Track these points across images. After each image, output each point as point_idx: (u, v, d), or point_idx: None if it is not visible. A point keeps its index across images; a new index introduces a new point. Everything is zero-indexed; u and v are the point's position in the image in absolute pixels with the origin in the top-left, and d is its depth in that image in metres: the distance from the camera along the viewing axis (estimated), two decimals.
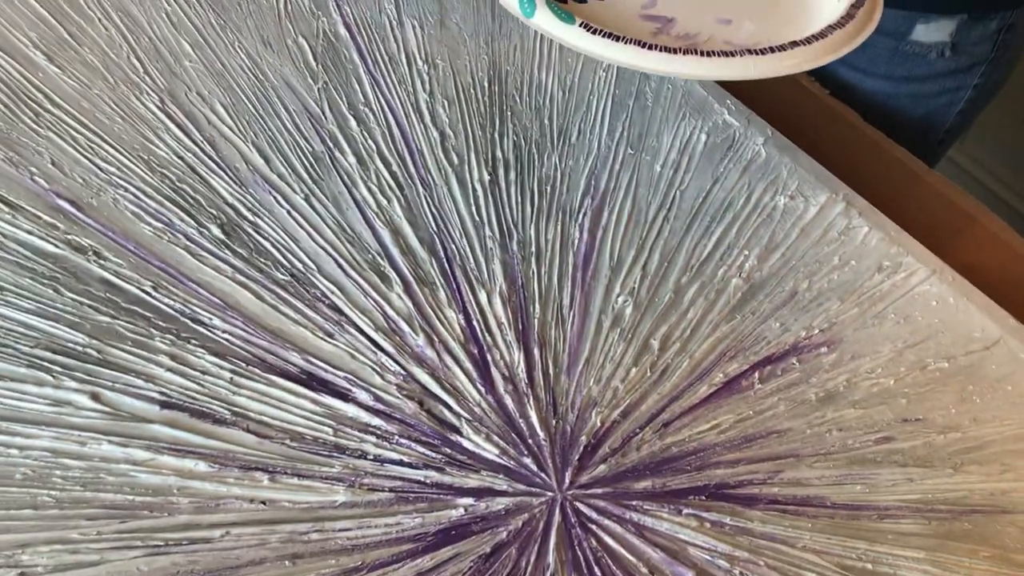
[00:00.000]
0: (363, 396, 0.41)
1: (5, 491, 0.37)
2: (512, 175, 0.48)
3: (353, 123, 0.48)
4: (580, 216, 0.47)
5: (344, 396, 0.41)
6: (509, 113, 0.50)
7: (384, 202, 0.46)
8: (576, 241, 0.46)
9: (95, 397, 0.39)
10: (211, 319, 0.42)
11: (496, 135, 0.49)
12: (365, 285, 0.44)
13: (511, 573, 0.37)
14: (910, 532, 0.39)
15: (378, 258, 0.45)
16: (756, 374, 0.42)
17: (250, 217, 0.45)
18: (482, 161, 0.48)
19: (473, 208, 0.47)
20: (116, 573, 0.35)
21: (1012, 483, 0.40)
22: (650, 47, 0.38)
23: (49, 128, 0.46)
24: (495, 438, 0.40)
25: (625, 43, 0.38)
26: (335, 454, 0.39)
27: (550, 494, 0.39)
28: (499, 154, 0.48)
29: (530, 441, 0.40)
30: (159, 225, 0.44)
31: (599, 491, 0.39)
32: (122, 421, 0.39)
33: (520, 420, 0.41)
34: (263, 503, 0.38)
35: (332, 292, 0.43)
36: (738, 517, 0.39)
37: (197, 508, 0.37)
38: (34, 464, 0.37)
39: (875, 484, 0.40)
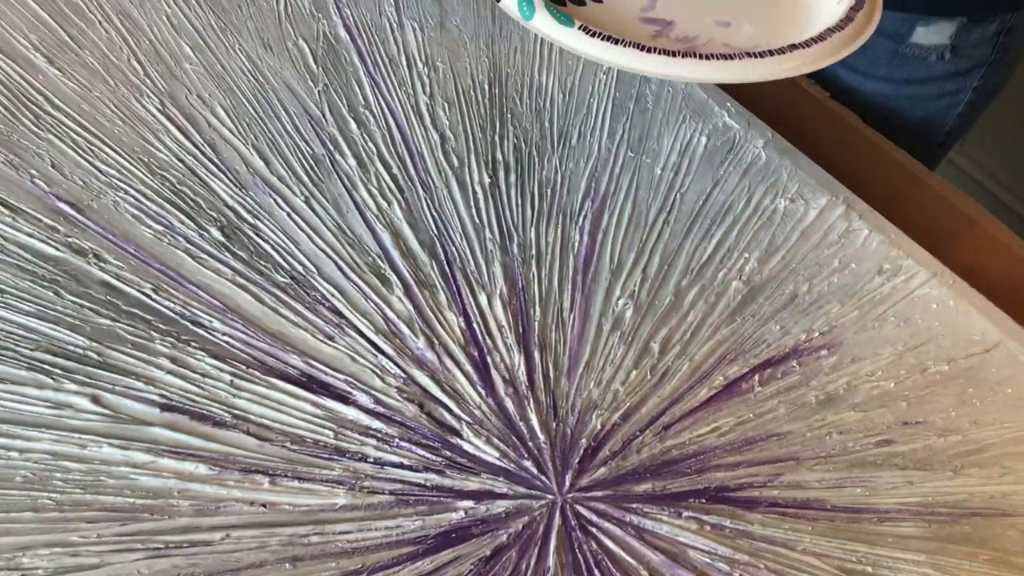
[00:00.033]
0: (363, 399, 0.41)
1: (5, 494, 0.37)
2: (512, 178, 0.48)
3: (353, 125, 0.48)
4: (580, 219, 0.47)
5: (344, 399, 0.41)
6: (509, 116, 0.50)
7: (384, 204, 0.46)
8: (576, 244, 0.46)
9: (95, 400, 0.39)
10: (211, 322, 0.42)
11: (496, 138, 0.49)
12: (365, 288, 0.44)
13: None
14: (910, 535, 0.39)
15: (378, 260, 0.45)
16: (756, 377, 0.42)
17: (250, 220, 0.45)
18: (482, 164, 0.48)
19: (473, 211, 0.47)
20: None
21: (1012, 486, 0.40)
22: (649, 50, 0.38)
23: (50, 131, 0.46)
24: (495, 441, 0.40)
25: (624, 46, 0.38)
26: (335, 457, 0.39)
27: (550, 497, 0.39)
28: (499, 157, 0.48)
29: (530, 444, 0.40)
30: (159, 228, 0.44)
31: (599, 494, 0.39)
32: (122, 424, 0.39)
33: (520, 423, 0.41)
34: (263, 506, 0.38)
35: (332, 295, 0.43)
36: (738, 520, 0.39)
37: (197, 511, 0.37)
38: (34, 467, 0.37)
39: (875, 487, 0.40)
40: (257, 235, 0.45)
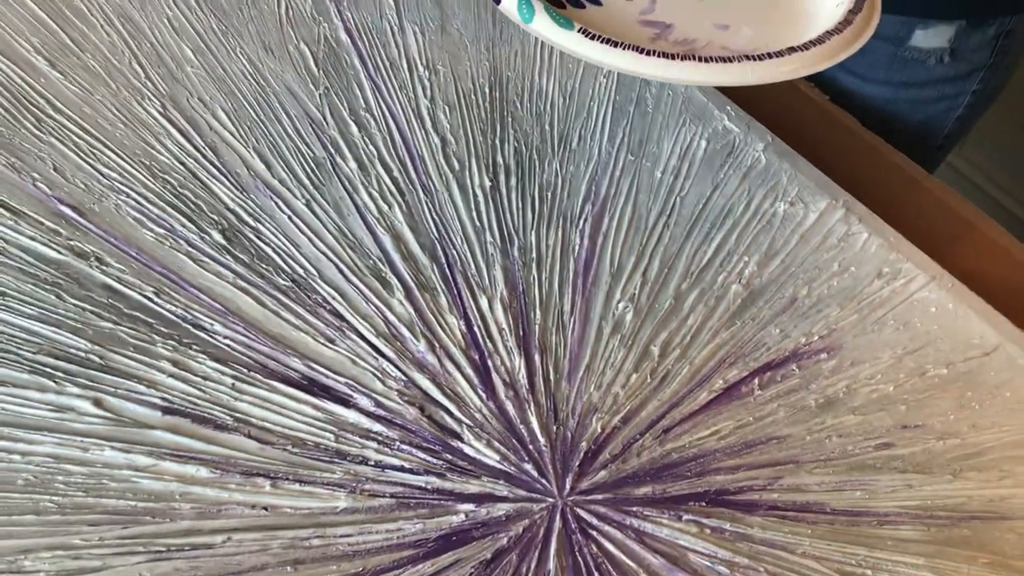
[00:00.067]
0: (364, 402, 0.41)
1: (7, 497, 0.37)
2: (513, 181, 0.48)
3: (354, 129, 0.49)
4: (581, 222, 0.47)
5: (345, 402, 0.41)
6: (510, 119, 0.50)
7: (385, 208, 0.46)
8: (577, 247, 0.46)
9: (97, 403, 0.39)
10: (212, 325, 0.42)
11: (497, 141, 0.49)
12: (366, 291, 0.44)
13: None
14: (909, 538, 0.39)
15: (379, 264, 0.45)
16: (756, 380, 0.42)
17: (251, 223, 0.45)
18: (483, 167, 0.48)
19: (474, 214, 0.47)
20: None
21: (1011, 489, 0.40)
22: (648, 52, 0.38)
23: (51, 134, 0.46)
24: (496, 444, 0.40)
25: (623, 48, 0.38)
26: (336, 460, 0.39)
27: (551, 500, 0.39)
28: (500, 160, 0.49)
29: (531, 447, 0.40)
30: (161, 231, 0.44)
31: (599, 497, 0.39)
32: (124, 427, 0.39)
33: (521, 426, 0.41)
34: (265, 509, 0.38)
35: (333, 298, 0.44)
36: (738, 523, 0.39)
37: (199, 514, 0.37)
38: (36, 470, 0.38)
39: (874, 490, 0.40)
40: (258, 238, 0.45)
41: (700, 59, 0.38)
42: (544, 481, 0.40)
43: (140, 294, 0.42)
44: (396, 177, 0.47)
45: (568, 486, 0.40)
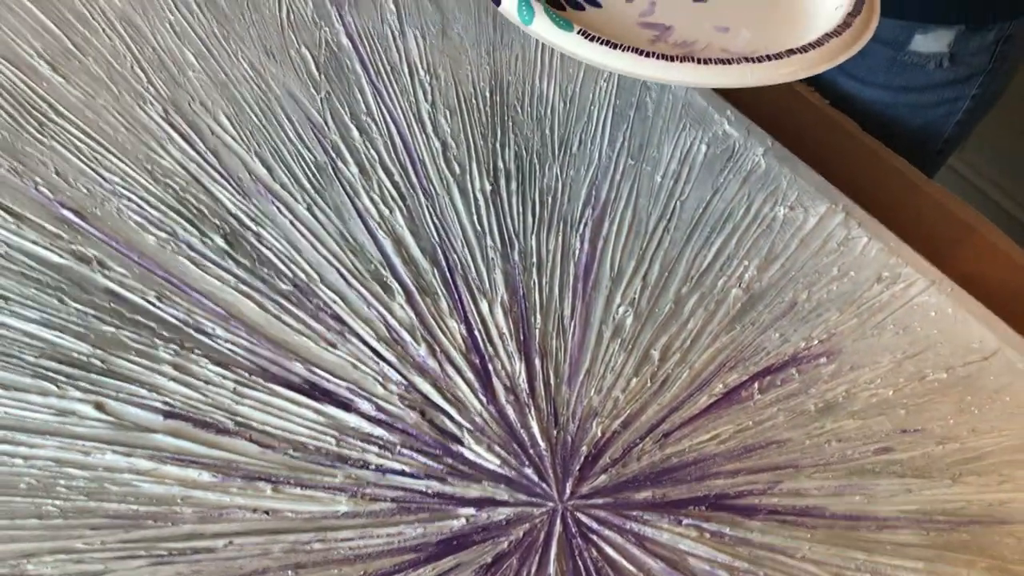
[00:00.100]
0: (365, 406, 0.41)
1: (10, 501, 0.37)
2: (513, 185, 0.48)
3: (355, 133, 0.49)
4: (581, 226, 0.47)
5: (346, 406, 0.41)
6: (510, 123, 0.50)
7: (386, 212, 0.47)
8: (577, 251, 0.46)
9: (99, 407, 0.40)
10: (214, 329, 0.42)
11: (497, 145, 0.49)
12: (367, 295, 0.44)
13: None
14: (908, 543, 0.39)
15: (380, 268, 0.45)
16: (756, 385, 0.43)
17: (253, 227, 0.45)
18: (484, 171, 0.48)
19: (475, 218, 0.47)
20: None
21: (1010, 494, 0.40)
22: (647, 54, 0.38)
23: (54, 138, 0.47)
24: (496, 448, 0.40)
25: (622, 50, 0.38)
26: (338, 464, 0.39)
27: (551, 504, 0.39)
28: (500, 164, 0.49)
29: (531, 451, 0.41)
30: (163, 235, 0.44)
31: (600, 501, 0.39)
32: (126, 431, 0.39)
33: (521, 430, 0.41)
34: (266, 513, 0.38)
35: (334, 302, 0.44)
36: (738, 527, 0.39)
37: (201, 518, 0.37)
38: (39, 474, 0.38)
39: (874, 495, 0.40)
40: (260, 242, 0.45)
41: (699, 61, 0.38)
42: (544, 485, 0.40)
43: (142, 298, 0.43)
44: (397, 181, 0.48)
45: (568, 490, 0.40)
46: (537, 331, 0.44)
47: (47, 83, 0.48)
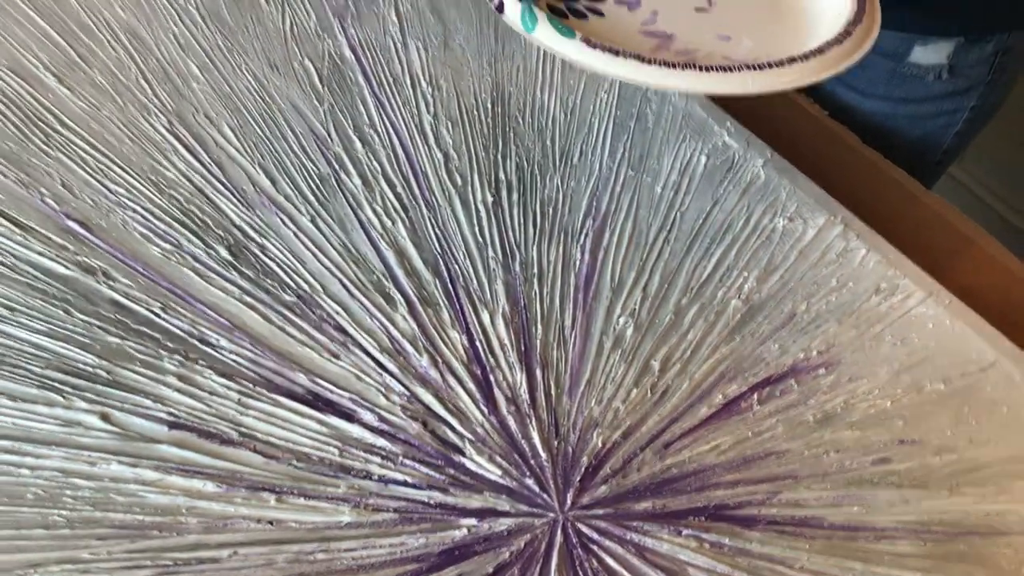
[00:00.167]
0: (368, 417, 0.41)
1: (16, 511, 0.37)
2: (515, 196, 0.49)
3: (358, 145, 0.49)
4: (582, 237, 0.47)
5: (349, 417, 0.41)
6: (512, 135, 0.50)
7: (389, 223, 0.47)
8: (578, 262, 0.47)
9: (105, 417, 0.40)
10: (219, 340, 0.43)
11: (499, 156, 0.50)
12: (370, 306, 0.45)
13: None
14: (906, 553, 0.39)
15: (383, 279, 0.45)
16: (755, 395, 0.43)
17: (257, 238, 0.46)
18: (485, 182, 0.49)
19: (476, 229, 0.47)
20: None
21: (1008, 505, 0.41)
22: (649, 61, 0.39)
23: (59, 149, 0.47)
24: (498, 459, 0.41)
25: (624, 57, 0.39)
26: (340, 475, 0.40)
27: (552, 515, 0.40)
28: (502, 175, 0.49)
29: (532, 462, 0.41)
30: (167, 246, 0.45)
31: (600, 512, 0.40)
32: (131, 442, 0.40)
33: (523, 441, 0.41)
34: (270, 523, 0.38)
35: (337, 313, 0.44)
36: (737, 538, 0.39)
37: (205, 528, 0.38)
38: (45, 484, 0.38)
39: (872, 505, 0.40)
40: (264, 254, 0.45)
41: (701, 68, 0.39)
42: (545, 496, 0.40)
43: (147, 309, 0.43)
44: (400, 193, 0.48)
45: (569, 501, 0.40)
46: (538, 342, 0.44)
47: (53, 95, 0.49)
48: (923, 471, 0.41)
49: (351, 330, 0.44)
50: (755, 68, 0.39)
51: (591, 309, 0.45)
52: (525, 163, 0.50)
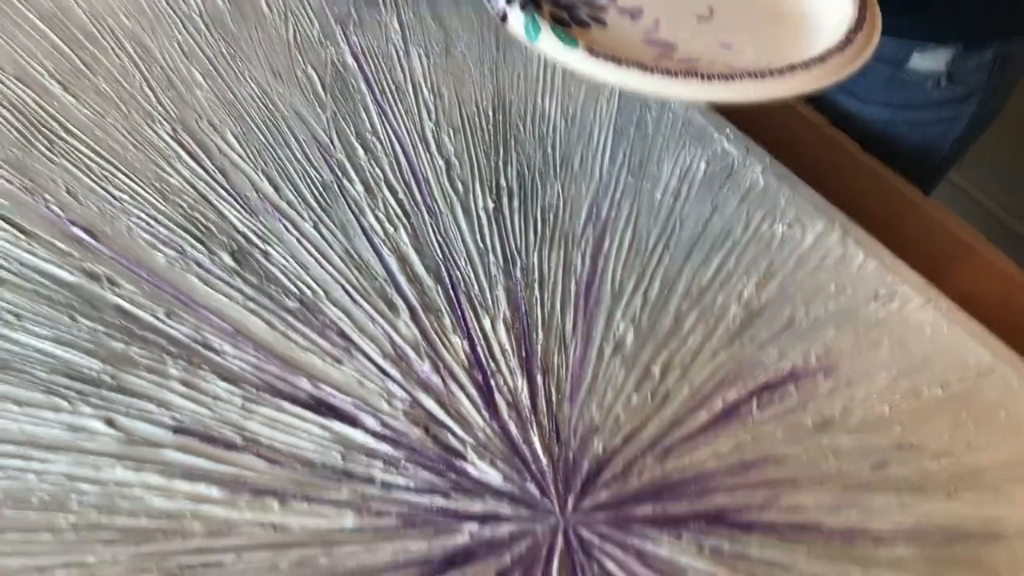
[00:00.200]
0: (370, 422, 0.42)
1: (23, 515, 0.38)
2: (516, 203, 0.49)
3: (361, 152, 0.50)
4: (582, 243, 0.48)
5: (352, 422, 0.42)
6: (513, 141, 0.51)
7: (391, 230, 0.47)
8: (578, 268, 0.47)
9: (110, 423, 0.40)
10: (222, 346, 0.43)
11: (500, 163, 0.50)
12: (372, 312, 0.45)
13: None
14: (904, 558, 0.40)
15: (385, 285, 0.46)
16: (754, 401, 0.43)
17: (260, 245, 0.46)
18: (486, 189, 0.49)
19: (478, 235, 0.48)
20: None
21: (1006, 509, 0.41)
22: (651, 71, 0.39)
23: (64, 156, 0.48)
24: (499, 464, 0.41)
25: (626, 66, 0.39)
26: (343, 479, 0.40)
27: (553, 520, 0.40)
28: (503, 182, 0.49)
29: (533, 467, 0.41)
30: (171, 253, 0.45)
31: (601, 517, 0.40)
32: (136, 446, 0.40)
33: (524, 446, 0.42)
34: (274, 527, 0.39)
35: (340, 319, 0.45)
36: (737, 542, 0.40)
37: (210, 532, 0.38)
38: (51, 488, 0.39)
39: (870, 510, 0.41)
40: (267, 260, 0.46)
41: (703, 77, 0.39)
42: (547, 501, 0.40)
43: (151, 315, 0.43)
44: (402, 199, 0.48)
45: (570, 506, 0.40)
46: (539, 347, 0.45)
47: (57, 102, 0.49)
48: (921, 476, 0.42)
49: (354, 336, 0.44)
50: (757, 76, 0.39)
51: (592, 315, 0.46)
52: (526, 170, 0.50)
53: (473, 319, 0.45)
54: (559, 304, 0.46)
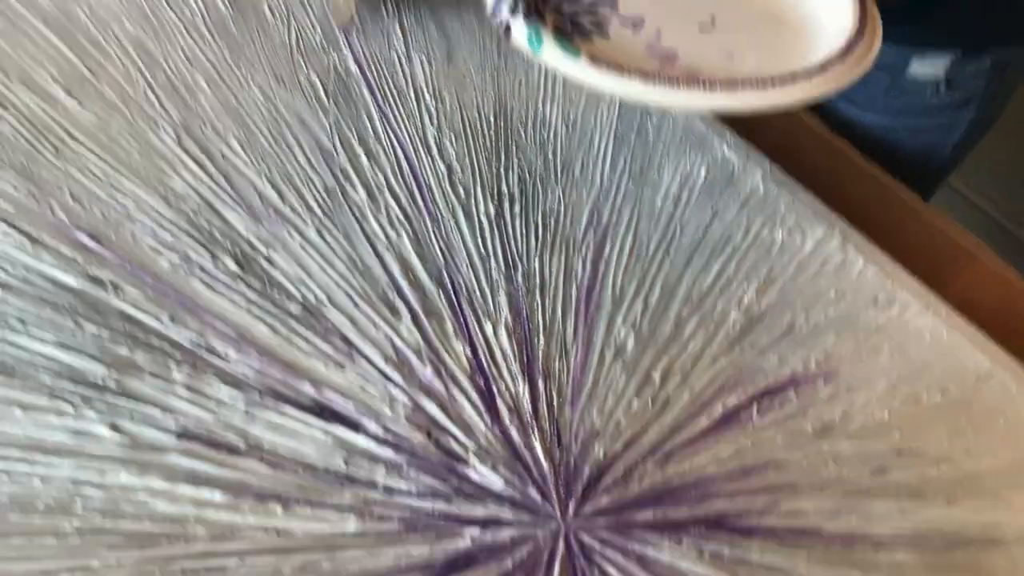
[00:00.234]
0: (373, 427, 0.42)
1: (27, 519, 0.38)
2: (517, 208, 0.49)
3: (363, 157, 0.50)
4: (583, 249, 0.48)
5: (355, 427, 0.42)
6: (514, 147, 0.51)
7: (393, 235, 0.48)
8: (579, 274, 0.47)
9: (114, 427, 0.41)
10: (226, 350, 0.43)
11: (502, 169, 0.50)
12: (375, 317, 0.45)
13: None
14: (904, 563, 0.40)
15: (387, 290, 0.46)
16: (754, 406, 0.43)
17: (264, 250, 0.46)
18: (488, 194, 0.49)
19: (479, 241, 0.48)
20: None
21: (1005, 515, 0.41)
22: (653, 80, 0.39)
23: (69, 162, 0.48)
24: (501, 469, 0.41)
25: (629, 76, 0.39)
26: (346, 484, 0.40)
27: (554, 525, 0.40)
28: (504, 188, 0.50)
29: (535, 472, 0.42)
30: (176, 258, 0.46)
31: (602, 521, 0.40)
32: (140, 451, 0.40)
33: (525, 451, 0.42)
34: (277, 532, 0.39)
35: (343, 324, 0.45)
36: (737, 547, 0.40)
37: (213, 536, 0.38)
38: (55, 493, 0.39)
39: (870, 515, 0.41)
40: (270, 265, 0.46)
41: (705, 86, 0.39)
42: (548, 506, 0.41)
43: (155, 320, 0.44)
44: (404, 205, 0.49)
45: (571, 511, 0.41)
46: (540, 353, 0.45)
47: (62, 108, 0.50)
48: (921, 481, 0.42)
49: (356, 341, 0.44)
50: (759, 85, 0.39)
51: (592, 320, 0.46)
52: (527, 175, 0.50)
53: (475, 324, 0.45)
54: (560, 309, 0.46)
